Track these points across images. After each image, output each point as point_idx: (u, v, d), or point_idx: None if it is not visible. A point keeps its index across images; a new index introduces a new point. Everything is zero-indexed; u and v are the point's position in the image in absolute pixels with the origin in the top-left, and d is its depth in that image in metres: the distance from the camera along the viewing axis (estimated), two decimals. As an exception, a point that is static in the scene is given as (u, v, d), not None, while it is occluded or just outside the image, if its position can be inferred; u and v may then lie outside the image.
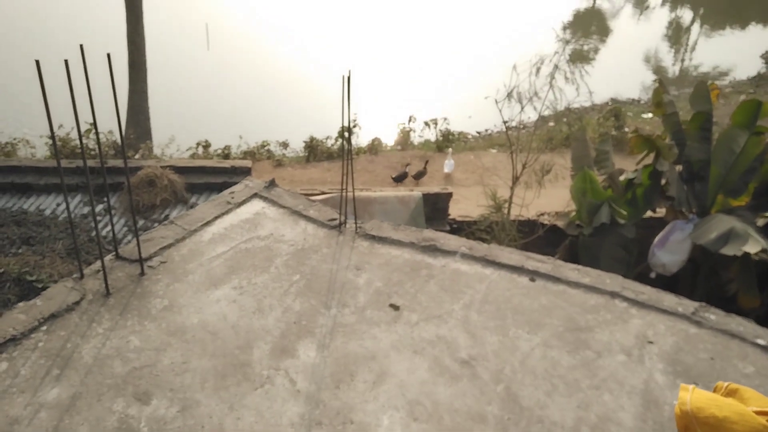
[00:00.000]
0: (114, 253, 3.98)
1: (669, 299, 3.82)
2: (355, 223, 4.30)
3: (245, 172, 7.88)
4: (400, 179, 11.50)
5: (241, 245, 4.12)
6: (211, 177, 7.86)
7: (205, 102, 15.92)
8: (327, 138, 13.14)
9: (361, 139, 13.98)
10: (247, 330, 3.49)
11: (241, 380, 3.20)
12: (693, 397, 0.96)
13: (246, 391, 3.15)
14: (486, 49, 19.45)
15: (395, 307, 3.67)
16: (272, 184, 4.68)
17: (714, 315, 3.71)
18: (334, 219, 4.36)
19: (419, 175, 11.56)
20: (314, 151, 12.92)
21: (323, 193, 8.21)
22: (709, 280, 8.71)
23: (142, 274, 3.84)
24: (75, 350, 3.28)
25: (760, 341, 3.54)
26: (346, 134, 4.46)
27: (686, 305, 3.77)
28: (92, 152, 10.47)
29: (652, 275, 8.61)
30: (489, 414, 3.09)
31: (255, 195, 4.56)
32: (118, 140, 10.54)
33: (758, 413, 0.92)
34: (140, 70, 13.47)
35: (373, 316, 3.61)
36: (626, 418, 3.09)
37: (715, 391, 1.03)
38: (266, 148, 13.22)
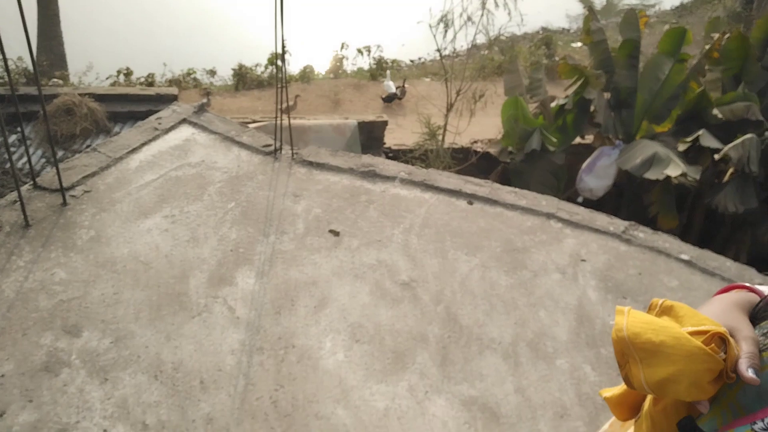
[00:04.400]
0: (31, 182, 3.72)
1: (601, 219, 3.94)
2: (291, 149, 4.17)
3: (171, 99, 7.47)
4: (390, 99, 11.49)
5: (171, 173, 3.93)
6: (135, 105, 7.43)
7: (125, 27, 14.89)
8: (256, 65, 12.64)
9: (292, 67, 13.52)
10: (182, 260, 3.36)
11: (177, 310, 3.11)
12: (629, 321, 0.93)
13: (183, 320, 3.06)
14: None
15: (335, 233, 3.62)
16: (202, 108, 4.45)
17: (642, 233, 3.86)
18: (269, 145, 4.21)
19: (403, 94, 11.64)
20: (243, 78, 12.42)
21: (255, 121, 7.93)
22: (631, 204, 9.11)
23: (65, 204, 3.61)
24: (-6, 285, 3.09)
25: (684, 256, 3.72)
26: (279, 60, 4.24)
27: (617, 224, 3.90)
28: (0, 80, 9.69)
29: (579, 200, 8.91)
30: (430, 333, 3.13)
31: (184, 120, 4.32)
32: (30, 67, 9.76)
33: (693, 333, 0.89)
34: (50, -9, 12.40)
35: (313, 243, 3.56)
36: (560, 332, 3.21)
37: (649, 309, 0.99)
38: (192, 76, 12.60)
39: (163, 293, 3.18)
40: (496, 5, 7.98)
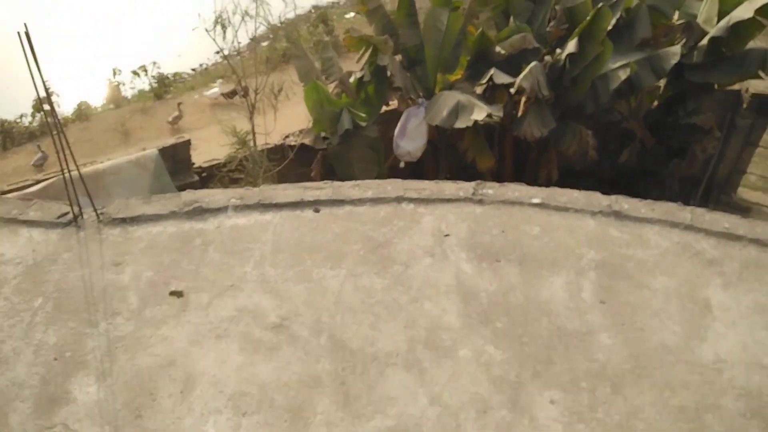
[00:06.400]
0: None
1: (449, 187, 3.80)
2: (94, 210, 3.49)
3: None
4: (232, 95, 11.10)
5: (-57, 287, 3.09)
6: None
7: None
8: (21, 116, 11.09)
9: (65, 107, 12.03)
10: (-6, 392, 2.65)
11: (8, 459, 2.44)
12: None
13: (20, 469, 2.40)
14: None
15: (178, 294, 3.08)
16: (-39, 195, 3.58)
17: (491, 189, 3.78)
18: (65, 213, 3.49)
19: (233, 94, 11.20)
20: (9, 135, 10.83)
21: (38, 181, 6.82)
22: (449, 155, 9.36)
23: None
24: None
25: (535, 200, 3.71)
26: (45, 103, 3.50)
27: (465, 188, 3.79)
28: None
29: (402, 165, 8.95)
30: (322, 373, 2.77)
31: (-58, 215, 3.44)
32: None
33: None
34: None
35: (155, 315, 2.99)
36: (452, 320, 3.02)
37: None
38: (-61, 145, 10.73)
39: (-18, 445, 2.47)
40: (262, -3, 7.52)
